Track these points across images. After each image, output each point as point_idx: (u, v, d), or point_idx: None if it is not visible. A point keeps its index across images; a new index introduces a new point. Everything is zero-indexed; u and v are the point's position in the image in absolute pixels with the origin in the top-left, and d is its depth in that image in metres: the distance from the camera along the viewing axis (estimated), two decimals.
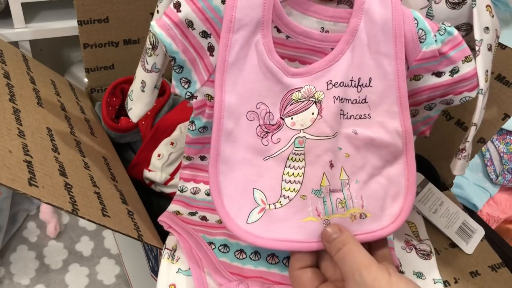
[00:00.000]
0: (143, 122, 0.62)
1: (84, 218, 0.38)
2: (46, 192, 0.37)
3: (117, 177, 0.52)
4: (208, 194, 0.48)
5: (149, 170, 0.59)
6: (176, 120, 0.60)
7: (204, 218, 0.47)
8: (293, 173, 0.40)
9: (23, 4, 0.79)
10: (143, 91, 0.44)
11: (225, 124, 0.39)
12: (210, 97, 0.42)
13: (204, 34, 0.40)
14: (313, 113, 0.41)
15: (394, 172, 0.41)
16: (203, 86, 0.42)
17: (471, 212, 0.69)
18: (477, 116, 0.43)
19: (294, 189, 0.40)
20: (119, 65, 0.68)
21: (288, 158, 0.40)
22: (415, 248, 0.51)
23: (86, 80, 0.69)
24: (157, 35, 0.39)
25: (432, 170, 0.67)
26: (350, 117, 0.42)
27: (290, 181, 0.40)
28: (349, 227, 0.39)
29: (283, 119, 0.41)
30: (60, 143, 0.47)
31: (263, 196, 0.40)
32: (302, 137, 0.40)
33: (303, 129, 0.41)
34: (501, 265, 0.58)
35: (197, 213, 0.47)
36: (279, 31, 0.41)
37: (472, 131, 0.44)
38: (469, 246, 0.58)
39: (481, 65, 0.42)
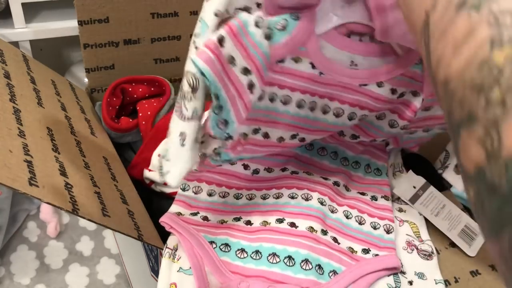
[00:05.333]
0: (143, 122, 0.62)
1: (84, 218, 0.38)
2: (47, 192, 0.37)
3: (117, 177, 0.52)
4: (210, 195, 0.48)
5: (149, 170, 0.59)
6: None
7: (205, 218, 0.47)
8: None
9: (23, 4, 0.79)
10: (183, 145, 0.38)
11: None
12: (245, 135, 0.41)
13: (245, 71, 0.38)
14: None
15: None
16: (240, 125, 0.39)
17: (471, 212, 0.69)
18: None
19: None
20: (119, 65, 0.68)
21: None
22: (417, 249, 0.51)
23: (86, 80, 0.69)
24: (202, 70, 0.35)
25: (432, 170, 0.67)
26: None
27: None
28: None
29: None
30: (60, 143, 0.47)
31: None
32: None
33: None
34: None
35: (199, 213, 0.47)
36: (313, 67, 0.42)
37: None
38: (472, 249, 0.57)
39: None
